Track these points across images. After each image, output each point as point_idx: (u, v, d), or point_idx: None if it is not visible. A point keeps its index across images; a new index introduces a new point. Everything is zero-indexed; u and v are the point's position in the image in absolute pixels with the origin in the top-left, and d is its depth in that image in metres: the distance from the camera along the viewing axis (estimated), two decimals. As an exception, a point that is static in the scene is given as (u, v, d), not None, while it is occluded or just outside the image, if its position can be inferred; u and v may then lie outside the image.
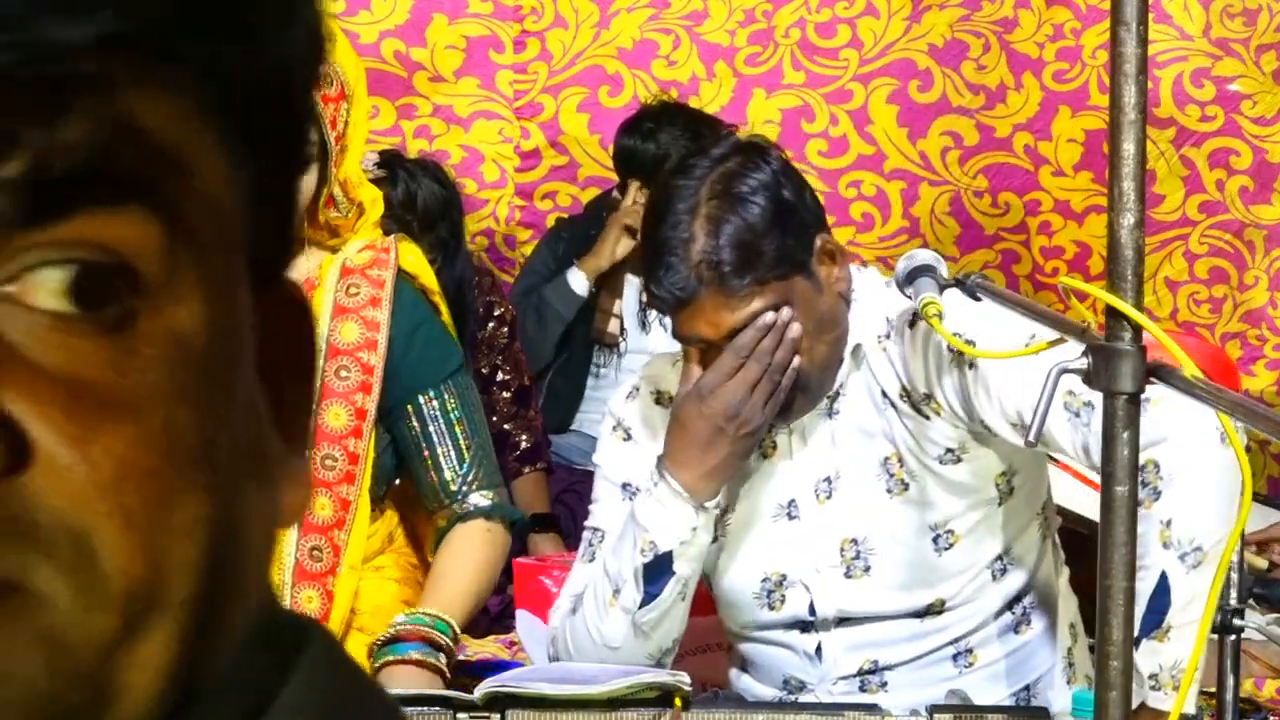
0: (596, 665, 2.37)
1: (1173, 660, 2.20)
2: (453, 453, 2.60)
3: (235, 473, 0.57)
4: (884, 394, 2.41)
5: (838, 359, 2.42)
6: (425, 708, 2.14)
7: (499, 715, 2.14)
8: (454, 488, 2.60)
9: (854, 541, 2.43)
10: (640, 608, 2.39)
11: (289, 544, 2.51)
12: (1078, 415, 2.22)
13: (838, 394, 2.44)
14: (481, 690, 2.17)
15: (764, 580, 2.48)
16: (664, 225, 2.32)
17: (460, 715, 2.13)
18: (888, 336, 2.40)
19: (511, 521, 2.66)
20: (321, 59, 0.62)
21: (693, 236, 2.30)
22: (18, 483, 0.53)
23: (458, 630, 2.53)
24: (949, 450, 2.39)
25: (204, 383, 0.56)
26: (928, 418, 2.38)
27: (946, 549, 2.43)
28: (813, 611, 2.47)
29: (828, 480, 2.44)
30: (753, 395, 2.31)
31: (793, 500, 2.46)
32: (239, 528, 0.58)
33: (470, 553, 2.59)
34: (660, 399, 2.52)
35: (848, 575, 2.44)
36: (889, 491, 2.42)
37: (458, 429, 2.61)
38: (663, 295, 2.32)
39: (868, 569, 2.44)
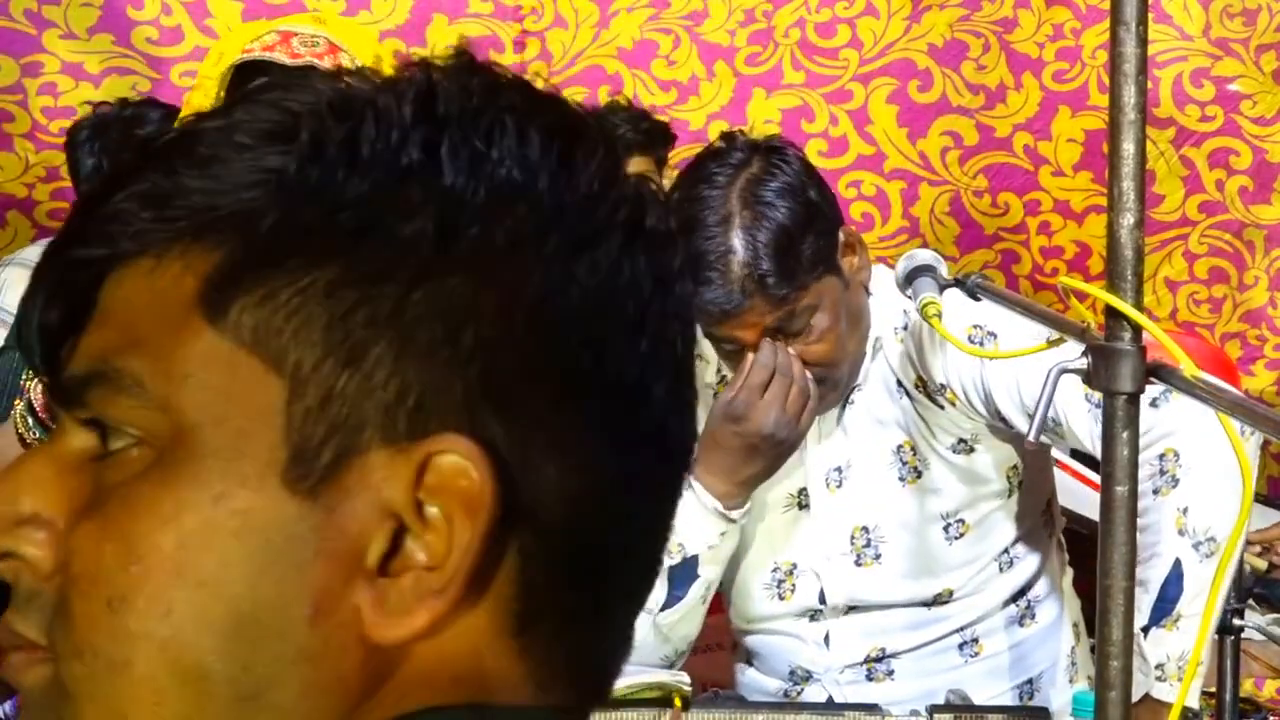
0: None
1: (1180, 650, 2.20)
2: None
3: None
4: (899, 383, 2.43)
5: (863, 351, 2.44)
6: (425, 708, 2.14)
7: (499, 715, 2.13)
8: None
9: (865, 529, 2.45)
10: (663, 609, 2.40)
11: None
12: (1099, 406, 2.23)
13: (854, 385, 2.45)
14: (481, 690, 2.16)
15: (774, 570, 2.50)
16: (697, 238, 2.32)
17: (460, 715, 2.13)
18: (905, 328, 2.42)
19: None
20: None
21: (731, 249, 2.31)
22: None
23: None
24: (961, 440, 2.41)
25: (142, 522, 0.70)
26: (941, 407, 2.40)
27: (957, 538, 2.44)
28: (822, 600, 2.48)
29: (838, 469, 2.46)
30: (787, 412, 2.32)
31: (804, 490, 2.48)
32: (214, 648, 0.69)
33: None
34: None
35: (858, 563, 2.46)
36: (901, 479, 2.44)
37: None
38: (706, 309, 2.33)
39: (878, 557, 2.45)
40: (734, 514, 2.39)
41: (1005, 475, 2.46)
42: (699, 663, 2.63)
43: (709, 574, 2.42)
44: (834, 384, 2.40)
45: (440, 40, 5.71)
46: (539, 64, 5.34)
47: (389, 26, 5.25)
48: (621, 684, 2.19)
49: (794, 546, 2.49)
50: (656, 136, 4.86)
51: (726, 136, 2.43)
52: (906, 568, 2.46)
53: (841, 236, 2.40)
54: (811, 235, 2.34)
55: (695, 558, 2.40)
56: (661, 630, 2.42)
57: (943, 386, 2.39)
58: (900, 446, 2.44)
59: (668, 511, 0.78)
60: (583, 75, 5.35)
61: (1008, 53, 5.46)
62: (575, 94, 5.34)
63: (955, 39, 5.46)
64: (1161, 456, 2.21)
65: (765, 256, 2.30)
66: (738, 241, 2.31)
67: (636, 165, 4.81)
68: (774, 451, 2.36)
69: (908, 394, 2.43)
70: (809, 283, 2.33)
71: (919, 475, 2.44)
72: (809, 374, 2.35)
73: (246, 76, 2.46)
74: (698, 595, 2.42)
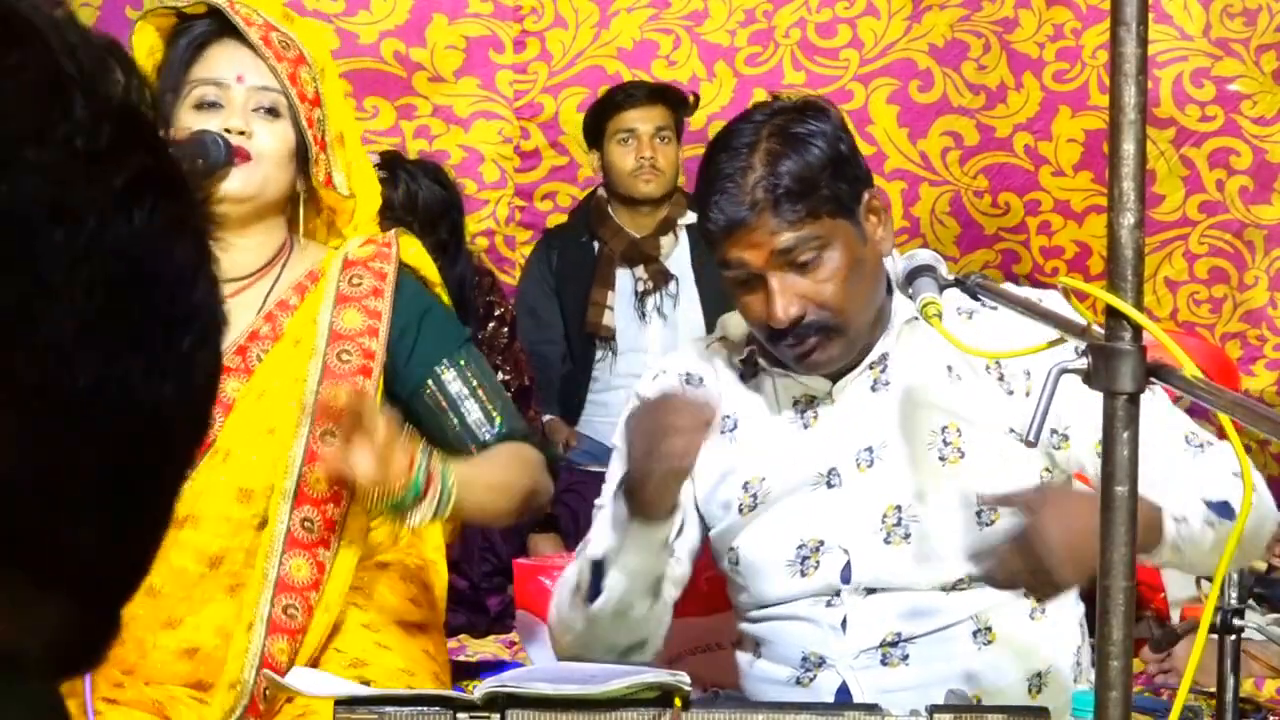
0: (595, 665, 2.37)
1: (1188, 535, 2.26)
2: (481, 414, 2.58)
3: None
4: (949, 367, 2.44)
5: (872, 314, 2.45)
6: (425, 708, 2.14)
7: (499, 715, 2.13)
8: (484, 440, 2.57)
9: (897, 508, 2.46)
10: (588, 601, 2.42)
11: (264, 593, 2.45)
12: (1200, 449, 2.34)
13: (884, 365, 2.46)
14: (481, 690, 2.17)
15: (799, 547, 2.49)
16: (722, 158, 2.39)
17: (460, 715, 2.13)
18: (978, 310, 2.42)
19: (547, 454, 2.63)
20: None
21: (751, 167, 2.37)
22: None
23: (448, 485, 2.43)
24: (1013, 430, 2.42)
25: None
26: (1011, 393, 2.42)
27: (988, 524, 2.45)
28: (845, 579, 2.47)
29: (869, 450, 2.47)
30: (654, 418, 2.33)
31: (833, 469, 2.48)
32: None
33: (506, 452, 2.55)
34: (690, 379, 2.55)
35: (887, 541, 2.46)
36: (942, 459, 2.44)
37: (481, 393, 2.59)
38: (716, 218, 2.38)
39: (907, 536, 2.46)
40: (632, 522, 2.37)
41: (1042, 472, 2.46)
42: (699, 663, 2.63)
43: (615, 582, 2.40)
44: (839, 332, 2.41)
45: (440, 40, 5.74)
46: (539, 64, 5.35)
47: (389, 27, 5.25)
48: (621, 684, 2.19)
49: (822, 523, 2.49)
50: (673, 93, 5.00)
51: (774, 95, 2.50)
52: (934, 549, 2.46)
53: (867, 196, 2.43)
54: (834, 179, 2.39)
55: (603, 561, 2.40)
56: (597, 621, 2.42)
57: (1026, 373, 2.41)
58: (945, 427, 2.45)
59: (80, 484, 0.68)
60: (583, 75, 5.35)
61: (1008, 53, 5.46)
62: (575, 94, 5.34)
63: (955, 39, 5.46)
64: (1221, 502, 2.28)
65: (784, 175, 2.36)
66: (759, 162, 2.37)
67: (656, 116, 4.92)
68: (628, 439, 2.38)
69: (964, 375, 2.44)
70: (821, 213, 2.37)
71: (963, 455, 2.45)
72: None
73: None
74: (613, 600, 2.41)
